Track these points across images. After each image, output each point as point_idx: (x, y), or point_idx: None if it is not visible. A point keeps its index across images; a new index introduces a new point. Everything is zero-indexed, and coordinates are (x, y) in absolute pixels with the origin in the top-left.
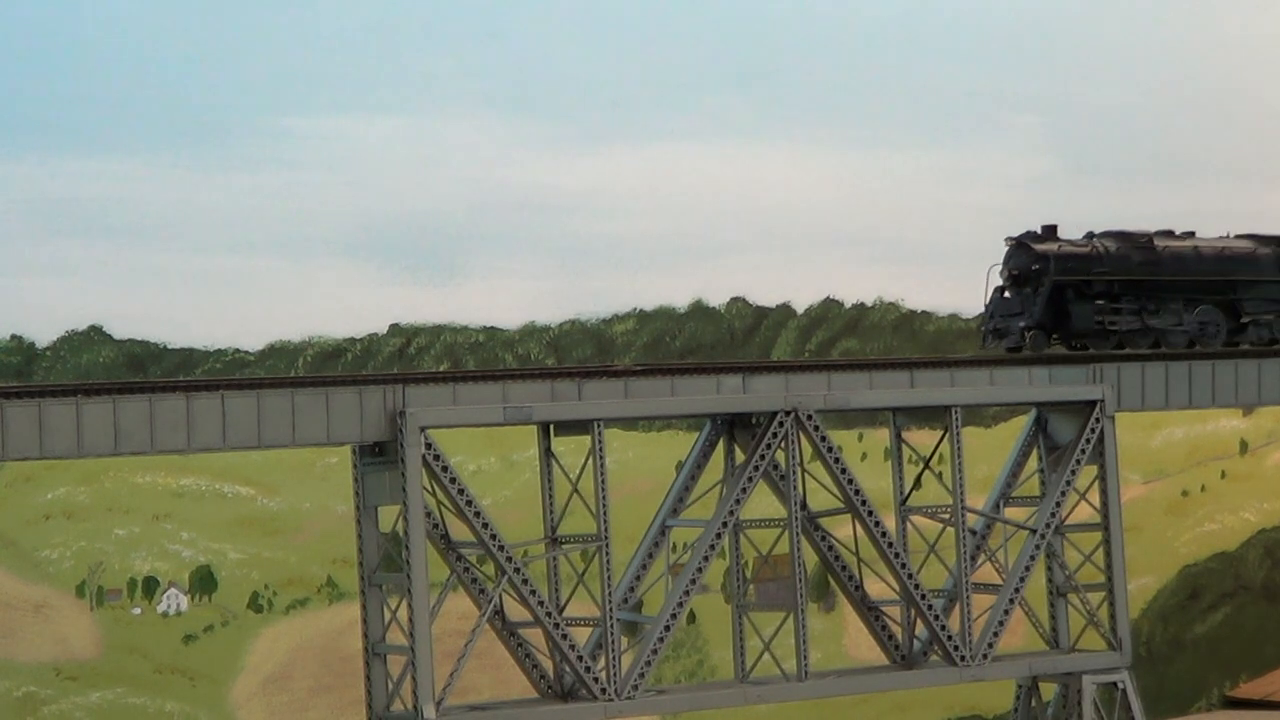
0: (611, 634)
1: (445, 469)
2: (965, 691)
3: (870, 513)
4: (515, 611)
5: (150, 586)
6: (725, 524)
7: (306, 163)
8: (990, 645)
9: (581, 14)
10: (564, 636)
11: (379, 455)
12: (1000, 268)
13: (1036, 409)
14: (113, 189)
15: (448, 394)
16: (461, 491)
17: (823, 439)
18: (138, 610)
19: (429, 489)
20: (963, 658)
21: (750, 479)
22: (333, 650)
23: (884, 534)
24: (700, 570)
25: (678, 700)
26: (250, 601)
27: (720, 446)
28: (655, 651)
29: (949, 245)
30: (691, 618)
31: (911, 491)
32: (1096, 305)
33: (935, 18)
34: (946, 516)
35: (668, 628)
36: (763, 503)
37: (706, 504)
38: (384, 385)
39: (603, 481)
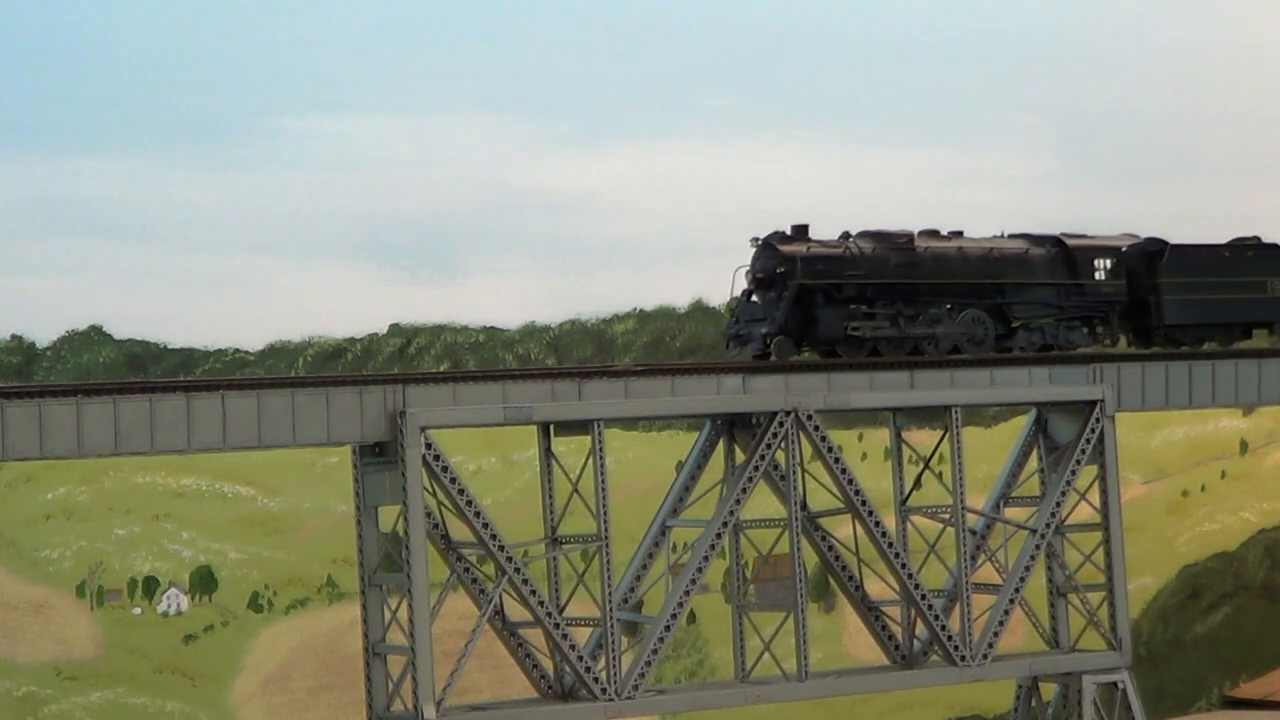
0: (612, 634)
1: (445, 469)
2: (965, 691)
3: (870, 513)
4: (515, 611)
5: (150, 586)
6: (725, 524)
7: (307, 163)
8: (990, 645)
9: (582, 15)
10: (564, 636)
11: (379, 455)
12: (746, 270)
13: (1036, 409)
14: (113, 189)
15: (448, 394)
16: (462, 491)
17: (823, 439)
18: (138, 610)
19: (429, 489)
20: (963, 658)
21: (750, 479)
22: (333, 650)
23: (884, 534)
24: (700, 570)
25: (678, 700)
26: (250, 601)
27: (720, 446)
28: (655, 651)
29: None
30: (691, 618)
31: (911, 491)
32: (847, 310)
33: (938, 20)
34: (947, 516)
35: (668, 628)
36: (763, 503)
37: (706, 504)
38: (384, 385)
39: (603, 481)
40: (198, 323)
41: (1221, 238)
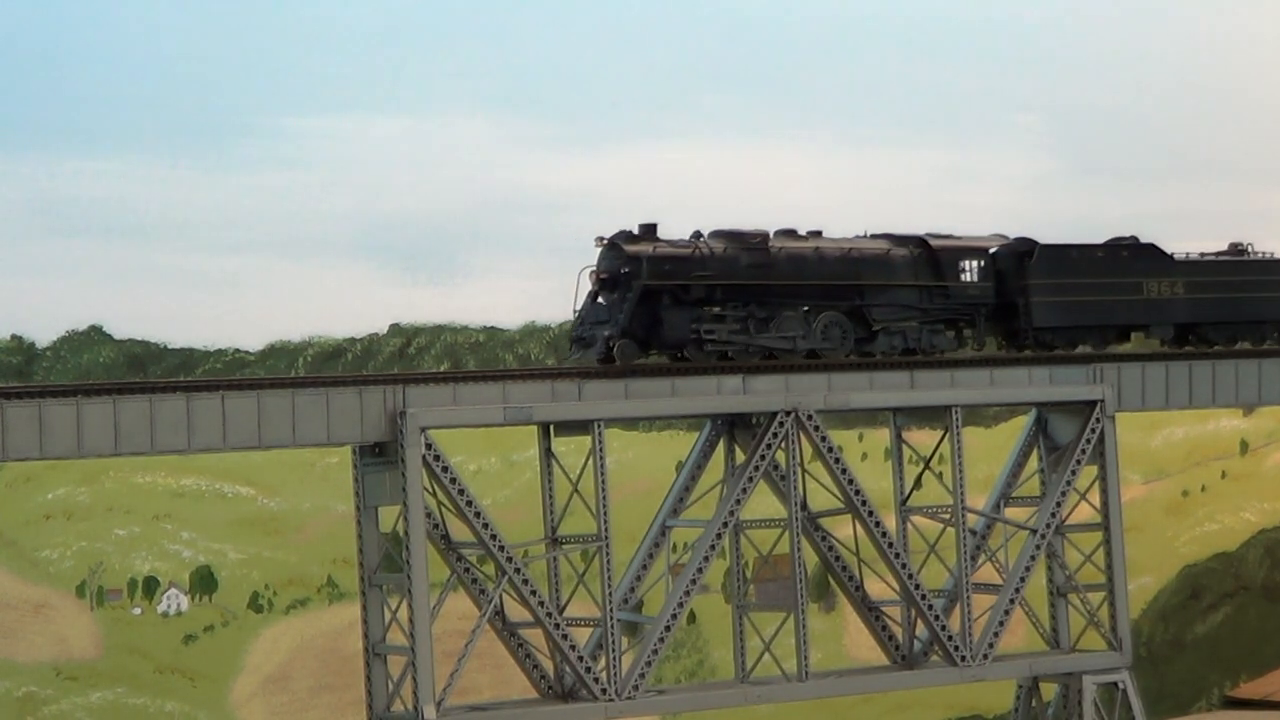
0: (612, 634)
1: (445, 469)
2: (966, 691)
3: (870, 513)
4: (515, 612)
5: (150, 586)
6: (725, 524)
7: (306, 163)
8: (991, 645)
9: (581, 15)
10: (564, 637)
11: (379, 455)
12: (591, 271)
13: (1037, 409)
14: (113, 189)
15: (448, 394)
16: (462, 492)
17: (823, 439)
18: (138, 610)
19: (429, 489)
20: (963, 658)
21: (750, 479)
22: (333, 650)
23: (884, 534)
24: (701, 570)
25: (678, 700)
26: (250, 601)
27: (721, 446)
28: (655, 652)
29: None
30: (692, 618)
31: (912, 491)
32: (694, 313)
33: (936, 19)
34: (947, 516)
35: (668, 628)
36: (763, 503)
37: (707, 504)
38: (384, 386)
39: (603, 481)
40: (197, 323)
41: (1221, 237)
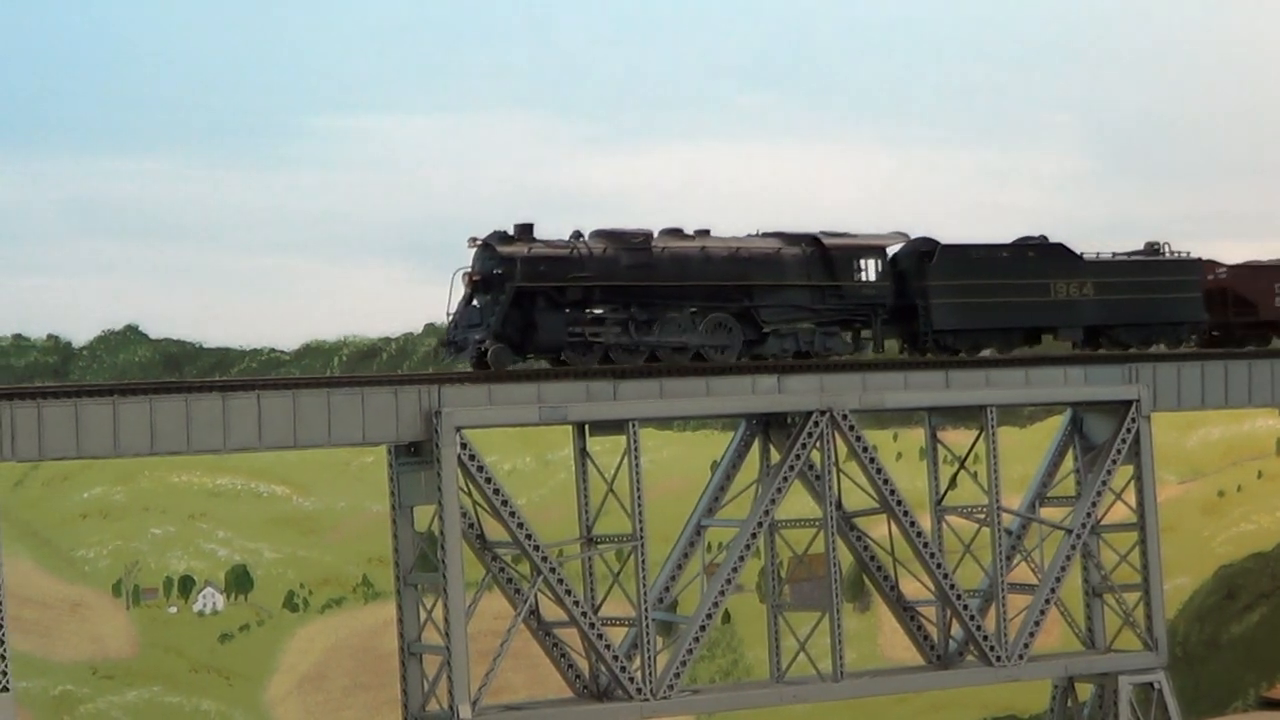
0: (647, 634)
1: (481, 469)
2: (1001, 692)
3: (905, 512)
4: (550, 611)
5: (186, 585)
6: (760, 524)
7: (342, 163)
8: (1026, 645)
9: (618, 14)
10: (599, 636)
11: (415, 455)
12: (464, 272)
13: (1072, 409)
14: (150, 189)
15: (483, 394)
16: (497, 491)
17: (858, 439)
18: (174, 609)
19: (464, 489)
20: (998, 658)
21: (785, 479)
22: (368, 649)
23: (919, 534)
24: (735, 570)
25: (713, 700)
26: (286, 600)
27: (755, 446)
28: (690, 651)
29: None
30: (726, 617)
31: (947, 491)
32: (571, 315)
33: (971, 20)
34: (982, 516)
35: (703, 627)
36: (798, 503)
37: (741, 504)
38: (419, 385)
39: (638, 481)
40: (233, 322)
41: (1260, 238)
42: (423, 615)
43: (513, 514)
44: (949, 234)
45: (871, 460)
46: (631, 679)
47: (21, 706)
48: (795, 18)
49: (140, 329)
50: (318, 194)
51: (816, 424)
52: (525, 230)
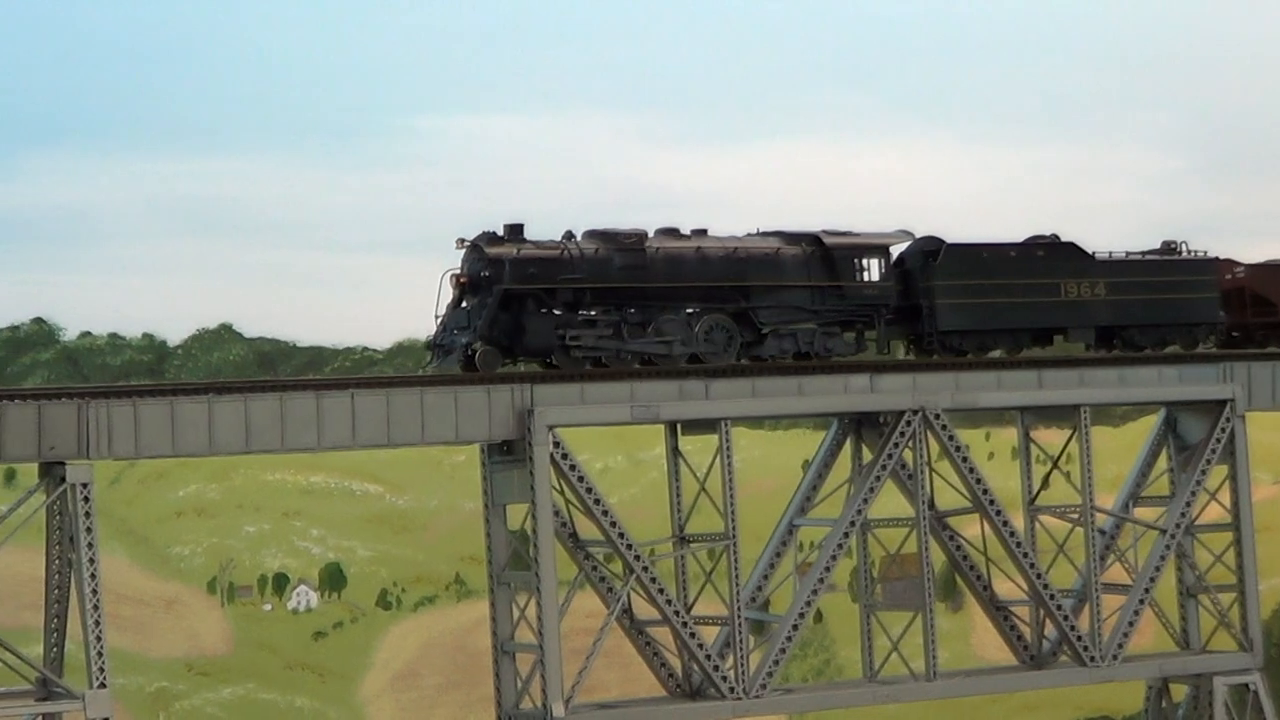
0: (739, 633)
1: (573, 467)
2: (1095, 692)
3: (998, 512)
4: (643, 610)
5: (280, 583)
6: (853, 523)
7: (435, 161)
8: (1120, 646)
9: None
10: (692, 635)
11: (508, 454)
12: (453, 274)
13: (1166, 408)
14: (244, 189)
15: (575, 393)
16: (589, 490)
17: (950, 438)
18: (268, 606)
19: (557, 487)
20: (1092, 658)
21: (878, 478)
22: (460, 647)
23: (1012, 533)
24: (828, 569)
25: (806, 699)
26: (379, 598)
27: (847, 445)
28: (783, 650)
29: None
30: (819, 617)
31: (1040, 491)
32: (560, 318)
33: (1067, 16)
34: (1075, 516)
35: (795, 627)
36: (890, 502)
37: (834, 503)
38: (512, 384)
39: (730, 480)
40: (326, 321)
41: None
42: (516, 613)
43: (605, 513)
44: (1050, 231)
45: (964, 459)
46: (724, 678)
47: (119, 703)
48: (888, 15)
49: (234, 328)
50: (408, 193)
51: (909, 423)
52: (515, 231)
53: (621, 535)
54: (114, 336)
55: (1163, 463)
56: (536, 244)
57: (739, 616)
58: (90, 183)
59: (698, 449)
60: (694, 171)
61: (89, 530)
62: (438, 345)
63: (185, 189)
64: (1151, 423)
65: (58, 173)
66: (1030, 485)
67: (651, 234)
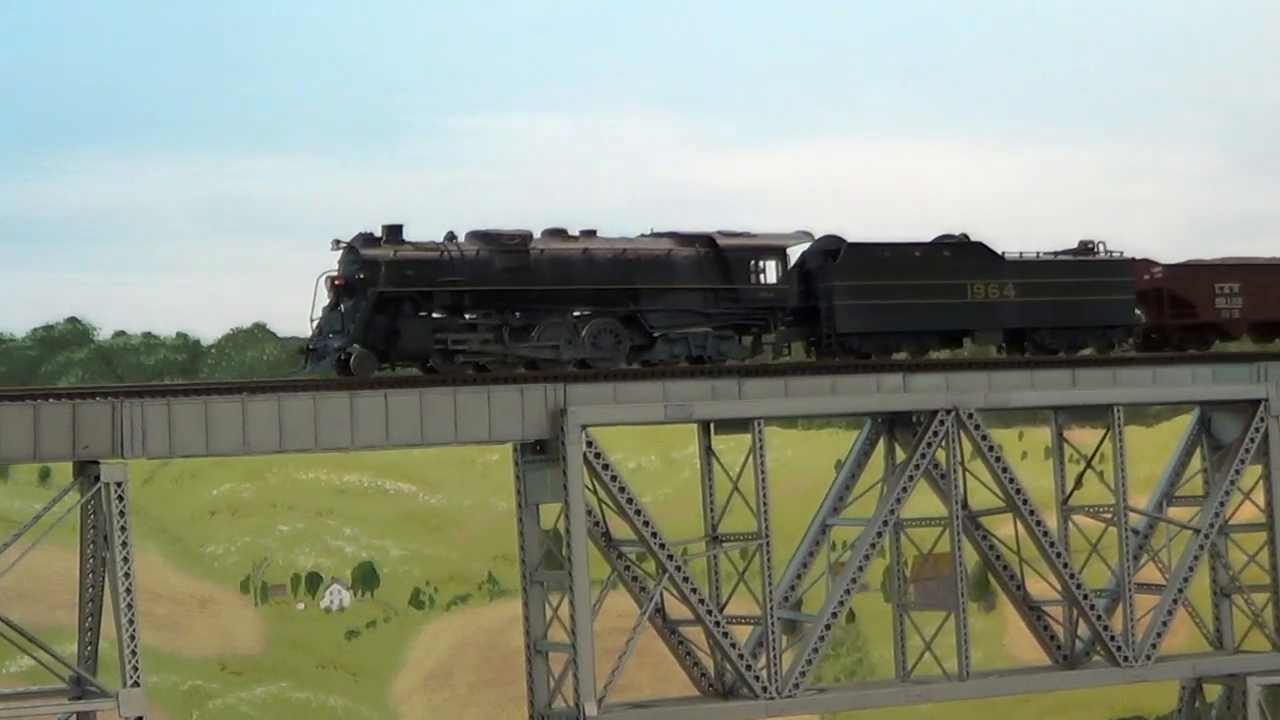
0: (772, 632)
1: (606, 467)
2: (1128, 692)
3: (1031, 512)
4: (676, 609)
5: (313, 582)
6: (886, 522)
7: (472, 161)
8: (1154, 646)
9: (746, 12)
10: (725, 635)
11: (541, 453)
12: (328, 276)
13: (1200, 408)
14: (278, 188)
15: (609, 392)
16: (623, 489)
17: (984, 437)
18: (301, 606)
19: (590, 487)
20: (1126, 658)
21: (911, 478)
22: (493, 646)
23: (1045, 533)
24: (861, 569)
25: (839, 699)
26: (412, 597)
27: (880, 445)
28: (816, 650)
29: (1123, 241)
30: (851, 616)
31: (1073, 490)
32: (439, 322)
33: (1110, 16)
34: (1109, 516)
35: (828, 626)
36: (923, 501)
37: (867, 503)
38: (545, 384)
39: (763, 479)
40: None
41: None
42: (549, 613)
43: (638, 512)
44: (1092, 230)
45: (997, 459)
46: (757, 677)
47: (152, 701)
48: (930, 15)
49: (268, 327)
50: (448, 192)
51: (942, 423)
52: (393, 232)
53: (654, 535)
54: (148, 336)
55: (1196, 462)
56: (415, 245)
57: (772, 616)
58: (125, 182)
59: (730, 448)
60: (736, 171)
61: (123, 529)
62: (311, 350)
63: (220, 188)
64: (1185, 422)
65: (93, 172)
66: (1063, 485)
67: (538, 234)
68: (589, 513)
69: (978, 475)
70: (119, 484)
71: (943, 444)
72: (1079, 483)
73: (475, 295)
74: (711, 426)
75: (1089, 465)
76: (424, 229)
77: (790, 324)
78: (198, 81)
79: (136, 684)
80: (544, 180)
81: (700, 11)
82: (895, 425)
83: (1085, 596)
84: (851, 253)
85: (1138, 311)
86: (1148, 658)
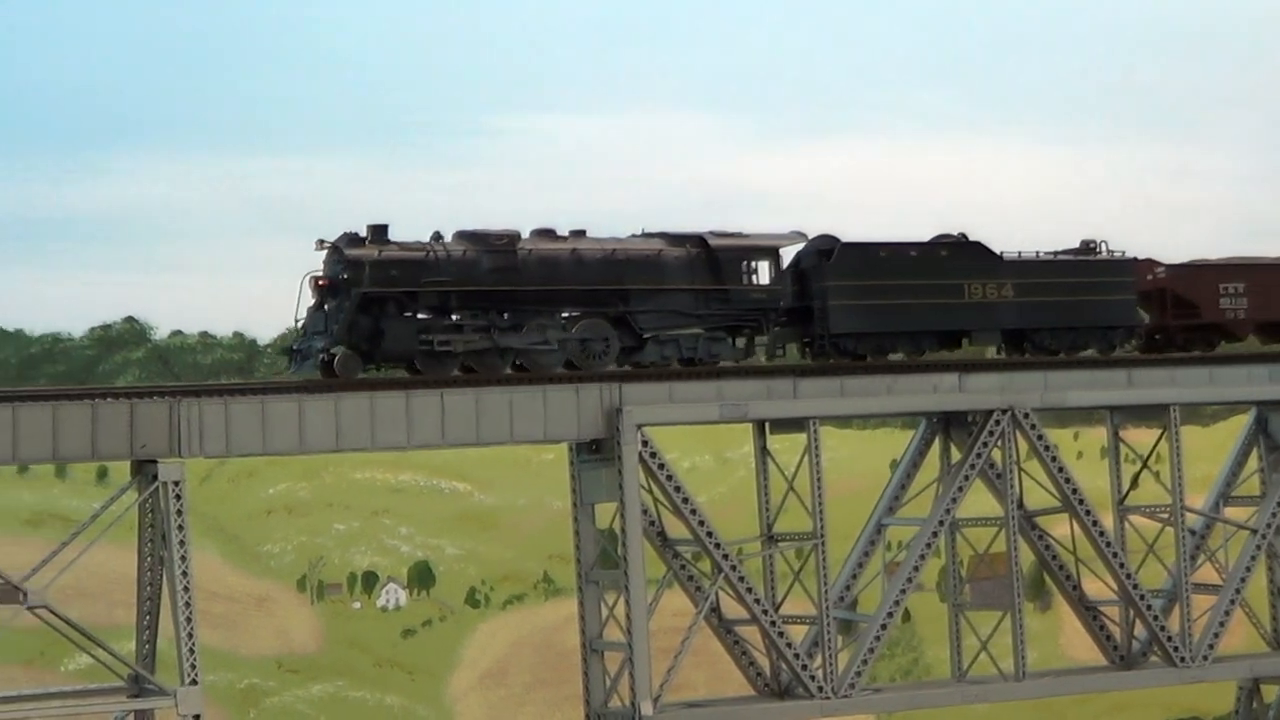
0: (828, 632)
1: (662, 466)
2: (1185, 693)
3: (1088, 511)
4: (731, 609)
5: (369, 581)
6: (941, 522)
7: (517, 162)
8: (1211, 646)
9: (791, 11)
10: (780, 634)
11: (596, 453)
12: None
13: (1256, 407)
14: (331, 187)
15: (664, 392)
16: (678, 489)
17: (1039, 437)
18: (357, 604)
19: (645, 486)
20: (1182, 659)
21: (966, 477)
22: (549, 646)
23: (1101, 533)
24: (916, 569)
25: (895, 699)
26: (467, 596)
27: (936, 445)
28: (872, 650)
29: (1166, 241)
30: (907, 616)
31: (1129, 490)
32: (424, 322)
33: (1155, 16)
34: (1165, 516)
35: (884, 626)
36: (979, 501)
37: (922, 502)
38: (601, 383)
39: (819, 479)
40: None
41: None
42: (604, 612)
43: (694, 511)
44: (1137, 230)
45: (1053, 459)
46: (813, 677)
47: (209, 699)
48: (976, 14)
49: None
50: (490, 192)
51: (998, 422)
52: (379, 232)
53: (710, 534)
54: (204, 335)
55: (1253, 462)
56: (400, 245)
57: (827, 616)
58: (179, 182)
59: (786, 448)
60: (783, 170)
61: (181, 528)
62: (295, 350)
63: (274, 190)
64: (1242, 422)
65: (147, 172)
66: (1120, 485)
67: (526, 235)
68: (644, 512)
69: (1033, 475)
70: (176, 483)
71: (998, 444)
72: (1135, 482)
73: (461, 296)
74: (767, 426)
75: (1145, 465)
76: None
77: (784, 325)
78: (244, 83)
79: (194, 682)
80: (587, 179)
81: (745, 10)
82: (951, 425)
83: (1142, 597)
84: (846, 252)
85: (1141, 312)
86: (1205, 658)
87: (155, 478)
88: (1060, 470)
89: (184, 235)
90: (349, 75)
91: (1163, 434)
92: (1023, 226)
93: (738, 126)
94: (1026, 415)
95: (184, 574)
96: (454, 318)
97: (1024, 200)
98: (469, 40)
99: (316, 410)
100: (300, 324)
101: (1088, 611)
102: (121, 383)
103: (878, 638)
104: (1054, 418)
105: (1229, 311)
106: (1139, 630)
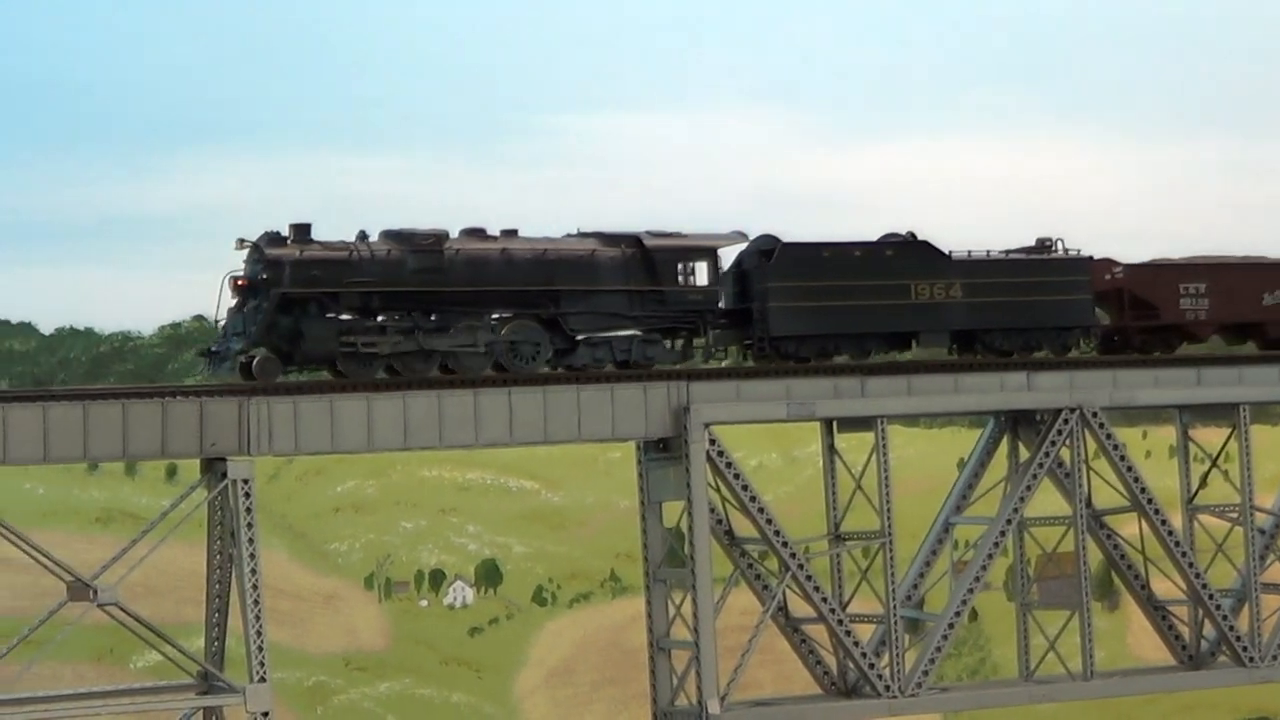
0: (895, 631)
1: (729, 465)
2: (1253, 693)
3: (1156, 511)
4: (798, 607)
5: (437, 579)
6: (1009, 521)
7: (581, 160)
8: None
9: (855, 10)
10: (847, 633)
11: (664, 451)
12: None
13: None
14: (395, 186)
15: (732, 390)
16: (745, 487)
17: (1108, 436)
18: (425, 603)
19: (713, 485)
20: (1251, 659)
21: (1034, 476)
22: (615, 644)
23: (1170, 532)
24: (984, 568)
25: (962, 698)
26: (534, 595)
27: (1004, 443)
28: (939, 649)
29: (1235, 239)
30: (974, 615)
31: (1198, 490)
32: (346, 323)
33: (1225, 14)
34: (1234, 515)
35: (951, 625)
36: (1047, 500)
37: (990, 501)
38: (668, 382)
39: (886, 478)
40: None
41: None
42: (671, 610)
43: (761, 510)
44: (1205, 228)
45: (1122, 458)
46: (880, 676)
47: (278, 697)
48: (1041, 13)
49: None
50: (560, 191)
51: (1066, 421)
52: (301, 231)
53: (777, 533)
54: None
55: None
56: (323, 245)
57: (894, 615)
58: (246, 181)
59: (853, 446)
60: (848, 170)
61: (249, 525)
62: (213, 353)
63: (336, 187)
64: None
65: (214, 171)
66: (1189, 484)
67: (455, 234)
68: (712, 510)
69: (1102, 474)
70: (245, 481)
71: (1067, 443)
72: (1204, 482)
73: (385, 296)
74: (834, 424)
75: (1214, 464)
76: (534, 227)
77: (724, 327)
78: (310, 82)
79: (263, 679)
80: (656, 178)
81: (809, 9)
82: (1019, 424)
83: (1211, 596)
84: (787, 253)
85: (1099, 312)
86: (1274, 658)
87: (224, 476)
88: (1129, 469)
89: (255, 234)
90: (423, 77)
91: (1232, 433)
92: (1101, 230)
93: (805, 126)
94: (1095, 414)
95: (253, 571)
96: (378, 319)
97: (1094, 195)
98: (532, 41)
99: (384, 409)
100: (221, 325)
101: (1156, 611)
102: (191, 381)
103: (945, 637)
104: (1122, 416)
105: (1190, 312)
106: (1208, 630)
